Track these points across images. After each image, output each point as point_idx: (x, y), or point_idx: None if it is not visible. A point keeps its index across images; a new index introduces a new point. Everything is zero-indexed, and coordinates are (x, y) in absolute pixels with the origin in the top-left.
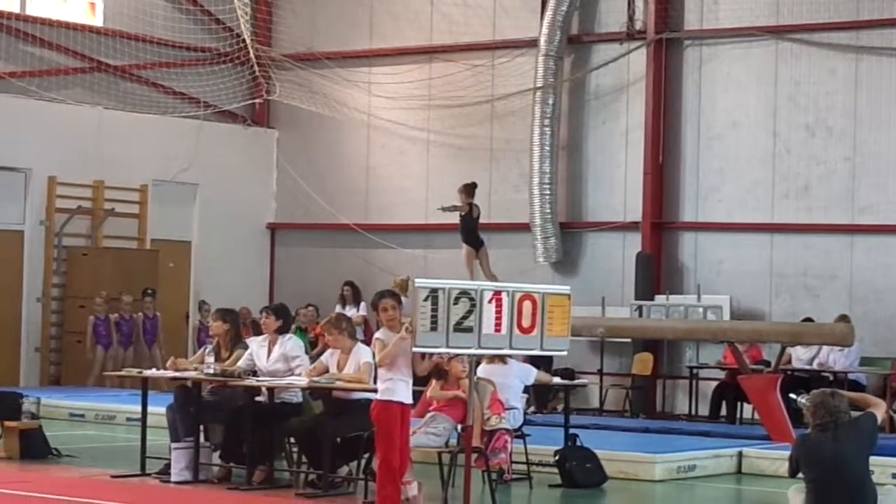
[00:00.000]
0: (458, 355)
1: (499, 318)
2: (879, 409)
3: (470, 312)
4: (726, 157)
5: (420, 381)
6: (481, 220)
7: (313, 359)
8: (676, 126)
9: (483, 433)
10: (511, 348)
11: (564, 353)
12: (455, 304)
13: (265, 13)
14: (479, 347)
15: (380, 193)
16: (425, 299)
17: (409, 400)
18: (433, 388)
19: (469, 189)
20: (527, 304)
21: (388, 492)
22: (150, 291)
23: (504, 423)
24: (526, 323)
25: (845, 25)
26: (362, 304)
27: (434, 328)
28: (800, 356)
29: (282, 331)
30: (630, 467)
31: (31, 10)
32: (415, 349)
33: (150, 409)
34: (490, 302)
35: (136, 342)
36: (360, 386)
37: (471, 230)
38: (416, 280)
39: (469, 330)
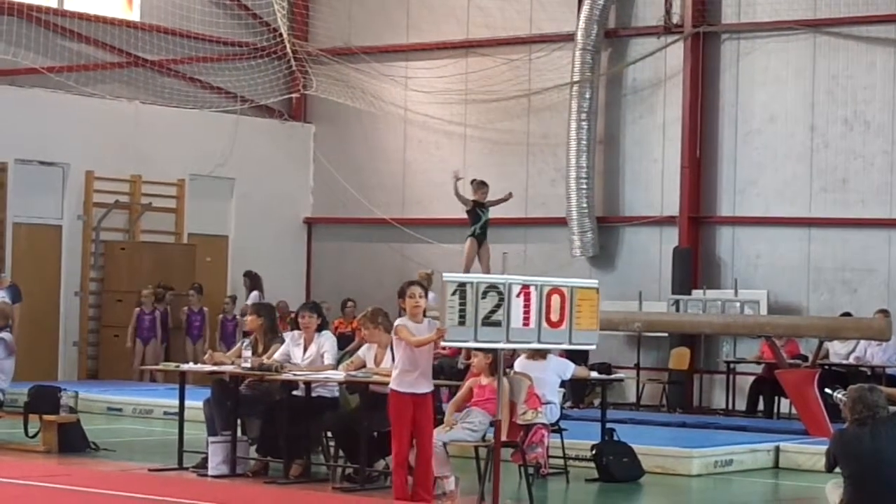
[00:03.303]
0: (482, 350)
1: (527, 312)
2: None
3: (498, 306)
4: (764, 151)
5: (457, 376)
6: (518, 215)
7: (350, 353)
8: (714, 120)
9: (519, 428)
10: (539, 342)
11: (593, 346)
12: (483, 298)
13: (302, 7)
14: (508, 341)
15: (416, 188)
16: (453, 293)
17: (420, 389)
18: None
19: (477, 186)
20: (555, 298)
21: (395, 479)
22: (195, 286)
23: (541, 418)
24: (554, 317)
25: (884, 19)
26: (254, 294)
27: (462, 322)
28: (837, 351)
29: (319, 328)
30: (667, 462)
31: (69, 6)
32: (444, 343)
33: (187, 403)
34: (518, 296)
35: (170, 335)
36: None
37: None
38: (445, 274)
39: (497, 324)
